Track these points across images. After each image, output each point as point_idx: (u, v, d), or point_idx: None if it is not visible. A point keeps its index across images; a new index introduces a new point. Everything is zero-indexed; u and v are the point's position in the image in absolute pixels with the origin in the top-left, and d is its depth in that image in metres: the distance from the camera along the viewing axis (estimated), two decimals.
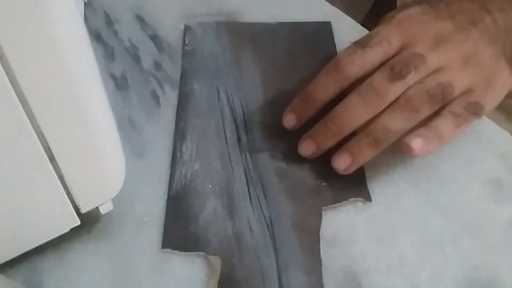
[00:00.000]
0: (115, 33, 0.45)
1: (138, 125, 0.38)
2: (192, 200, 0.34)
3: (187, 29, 0.45)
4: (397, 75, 0.32)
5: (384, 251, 0.31)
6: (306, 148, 0.34)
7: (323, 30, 0.44)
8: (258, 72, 0.41)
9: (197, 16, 0.46)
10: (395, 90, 0.32)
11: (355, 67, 0.33)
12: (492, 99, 0.34)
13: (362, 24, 0.46)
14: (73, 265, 0.31)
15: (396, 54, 0.33)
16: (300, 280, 0.30)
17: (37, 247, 0.29)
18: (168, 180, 0.35)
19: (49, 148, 0.24)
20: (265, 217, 0.33)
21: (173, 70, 0.42)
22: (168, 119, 0.39)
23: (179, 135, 0.37)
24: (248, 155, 0.36)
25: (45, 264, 0.31)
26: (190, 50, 0.43)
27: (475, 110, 0.33)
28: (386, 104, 0.32)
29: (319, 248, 0.31)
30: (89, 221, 0.32)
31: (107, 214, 0.30)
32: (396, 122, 0.32)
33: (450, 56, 0.33)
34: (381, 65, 0.33)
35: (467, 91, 0.33)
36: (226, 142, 0.37)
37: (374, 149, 0.32)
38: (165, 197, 0.34)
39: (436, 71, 0.33)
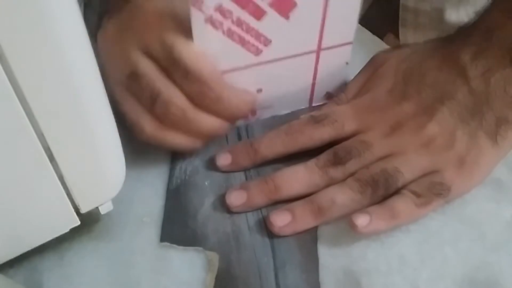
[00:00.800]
0: None
1: None
2: (191, 196, 0.34)
3: None
4: (339, 160, 0.33)
5: (384, 251, 0.31)
6: (236, 198, 0.33)
7: None
8: None
9: None
10: (336, 173, 0.33)
11: (304, 137, 0.34)
12: (466, 181, 0.33)
13: (360, 23, 0.46)
14: (73, 265, 0.31)
15: (349, 136, 0.34)
16: (297, 278, 0.30)
17: (37, 247, 0.29)
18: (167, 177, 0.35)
19: (49, 148, 0.24)
20: (263, 216, 0.33)
21: None
22: None
23: None
24: None
25: (45, 264, 0.31)
26: None
27: (439, 191, 0.31)
28: (325, 184, 0.33)
29: (316, 247, 0.31)
30: (89, 221, 0.32)
31: (107, 214, 0.30)
32: (341, 197, 0.32)
33: (404, 142, 0.33)
34: (332, 141, 0.34)
35: (432, 172, 0.32)
36: (227, 139, 0.37)
37: (316, 218, 0.32)
38: (164, 196, 0.34)
39: (386, 157, 0.33)
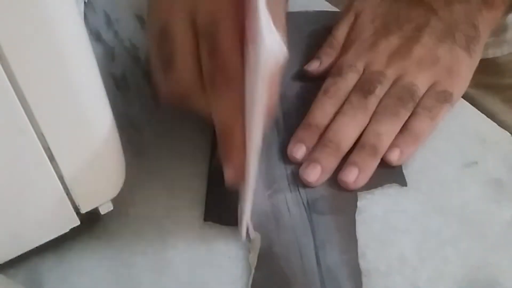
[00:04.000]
0: (115, 33, 0.45)
1: (138, 125, 0.38)
2: None
3: None
4: (367, 91, 0.37)
5: (384, 251, 0.31)
6: (313, 174, 0.34)
7: None
8: (297, 58, 0.43)
9: None
10: (371, 103, 0.37)
11: (341, 90, 0.38)
12: (459, 85, 0.39)
13: None
14: (73, 265, 0.31)
15: (362, 75, 0.39)
16: (337, 258, 0.31)
17: (37, 247, 0.29)
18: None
19: (48, 148, 0.24)
20: (302, 200, 0.34)
21: None
22: (168, 119, 0.39)
23: None
24: (285, 138, 0.37)
25: (45, 264, 0.31)
26: None
27: (445, 98, 0.37)
28: (368, 117, 0.36)
29: (355, 230, 0.32)
30: (89, 221, 0.32)
31: (107, 214, 0.30)
32: (383, 127, 0.35)
33: (404, 64, 0.38)
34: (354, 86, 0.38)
35: (433, 85, 0.37)
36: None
37: (374, 157, 0.35)
38: (164, 196, 0.34)
39: (397, 79, 0.38)
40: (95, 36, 0.44)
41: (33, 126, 0.23)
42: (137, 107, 0.39)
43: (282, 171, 0.35)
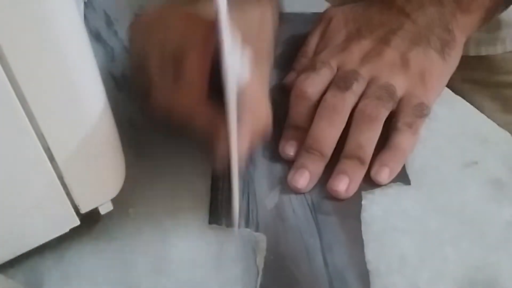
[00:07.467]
0: (115, 33, 0.45)
1: (138, 125, 0.38)
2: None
3: None
4: (344, 87, 0.36)
5: (384, 251, 0.31)
6: (302, 180, 0.34)
7: None
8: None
9: None
10: (349, 99, 0.36)
11: (315, 87, 0.37)
12: (432, 92, 0.38)
13: None
14: (73, 265, 0.31)
15: (336, 73, 0.38)
16: (344, 258, 0.31)
17: (37, 247, 0.29)
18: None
19: (48, 148, 0.24)
20: (306, 200, 0.34)
21: None
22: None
23: None
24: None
25: (45, 264, 0.31)
26: None
27: (423, 112, 0.36)
28: (345, 118, 0.35)
29: (361, 230, 0.32)
30: (89, 221, 0.32)
31: (107, 214, 0.30)
32: (363, 137, 0.35)
33: (377, 66, 0.37)
34: (329, 84, 0.37)
35: (409, 95, 0.36)
36: None
37: (362, 165, 0.34)
38: (164, 196, 0.34)
39: (372, 80, 0.37)
40: (95, 36, 0.44)
41: (33, 126, 0.23)
42: (137, 107, 0.39)
43: (285, 172, 0.35)
